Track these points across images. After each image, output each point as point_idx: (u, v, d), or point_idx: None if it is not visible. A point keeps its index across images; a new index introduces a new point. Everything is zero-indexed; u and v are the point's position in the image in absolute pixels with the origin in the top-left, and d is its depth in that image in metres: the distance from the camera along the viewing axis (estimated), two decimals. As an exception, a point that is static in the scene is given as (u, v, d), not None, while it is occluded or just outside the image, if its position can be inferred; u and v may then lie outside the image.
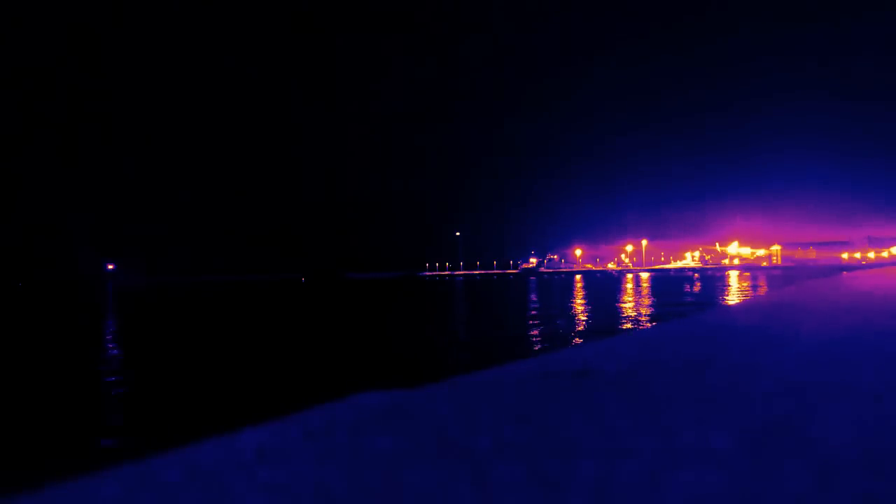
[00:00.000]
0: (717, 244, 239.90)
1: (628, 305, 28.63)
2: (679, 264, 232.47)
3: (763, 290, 36.99)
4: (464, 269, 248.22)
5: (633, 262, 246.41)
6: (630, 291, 43.17)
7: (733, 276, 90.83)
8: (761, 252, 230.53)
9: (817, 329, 3.13)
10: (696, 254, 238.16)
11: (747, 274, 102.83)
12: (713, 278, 78.63)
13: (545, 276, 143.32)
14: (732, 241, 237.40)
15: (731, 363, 2.07)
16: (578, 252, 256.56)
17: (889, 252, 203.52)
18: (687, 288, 48.71)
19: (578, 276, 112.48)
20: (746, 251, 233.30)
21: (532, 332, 17.47)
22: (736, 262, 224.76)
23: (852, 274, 18.29)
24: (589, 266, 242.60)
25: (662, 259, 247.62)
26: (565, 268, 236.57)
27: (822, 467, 0.99)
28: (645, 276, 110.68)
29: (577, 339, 15.80)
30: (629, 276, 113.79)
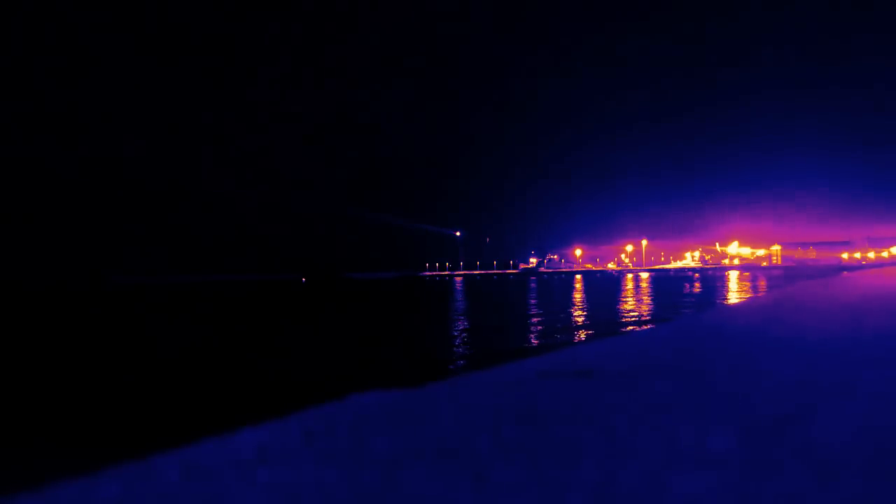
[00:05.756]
0: (717, 244, 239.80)
1: (628, 305, 28.61)
2: (679, 264, 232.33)
3: (763, 290, 36.97)
4: (464, 269, 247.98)
5: (633, 262, 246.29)
6: (630, 291, 43.14)
7: (733, 276, 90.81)
8: (761, 252, 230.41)
9: (818, 329, 3.13)
10: (696, 254, 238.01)
11: (747, 274, 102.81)
12: (713, 278, 78.61)
13: (545, 276, 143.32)
14: (732, 241, 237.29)
15: (732, 363, 2.07)
16: (578, 252, 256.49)
17: (889, 252, 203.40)
18: (687, 288, 48.68)
19: (578, 277, 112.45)
20: (746, 251, 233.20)
21: (533, 331, 17.46)
22: (736, 262, 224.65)
23: (853, 274, 18.29)
24: (589, 266, 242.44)
25: (662, 259, 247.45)
26: (565, 268, 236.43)
27: (822, 468, 0.99)
28: (645, 276, 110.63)
29: (577, 339, 15.80)
30: (629, 276, 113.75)
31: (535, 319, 22.00)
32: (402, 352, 14.11)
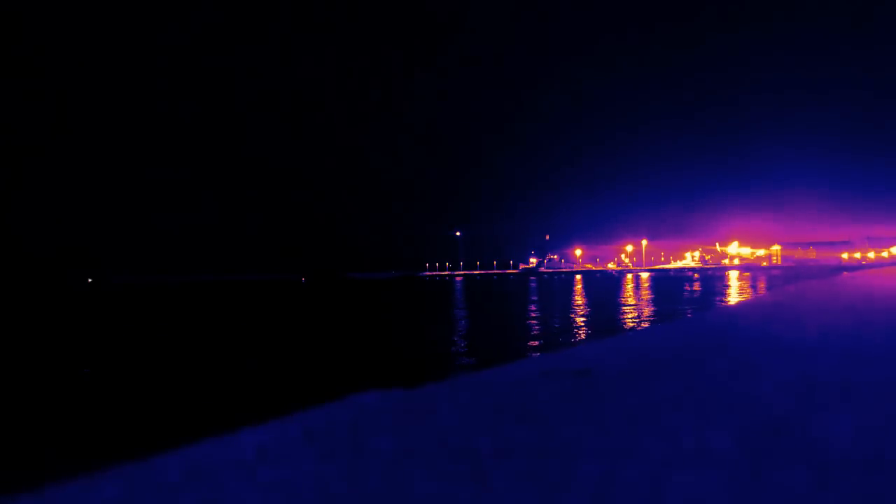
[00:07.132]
0: (717, 244, 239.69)
1: (628, 305, 28.64)
2: (679, 264, 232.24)
3: (763, 290, 36.97)
4: (464, 269, 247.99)
5: (633, 262, 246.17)
6: (630, 291, 43.17)
7: (733, 276, 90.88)
8: (761, 252, 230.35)
9: (818, 329, 3.12)
10: (696, 254, 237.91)
11: (747, 274, 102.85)
12: (713, 278, 78.67)
13: (545, 276, 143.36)
14: (732, 241, 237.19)
15: (732, 363, 2.07)
16: (578, 252, 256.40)
17: (889, 252, 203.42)
18: (687, 288, 48.71)
19: (578, 277, 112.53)
20: (746, 251, 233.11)
21: (533, 331, 17.47)
22: (736, 262, 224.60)
23: (853, 274, 18.29)
24: (589, 266, 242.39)
25: (662, 259, 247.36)
26: (565, 268, 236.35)
27: (822, 468, 0.99)
28: (645, 276, 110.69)
29: (577, 338, 15.80)
30: (629, 276, 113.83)
31: (534, 318, 22.04)
32: (402, 352, 14.12)
